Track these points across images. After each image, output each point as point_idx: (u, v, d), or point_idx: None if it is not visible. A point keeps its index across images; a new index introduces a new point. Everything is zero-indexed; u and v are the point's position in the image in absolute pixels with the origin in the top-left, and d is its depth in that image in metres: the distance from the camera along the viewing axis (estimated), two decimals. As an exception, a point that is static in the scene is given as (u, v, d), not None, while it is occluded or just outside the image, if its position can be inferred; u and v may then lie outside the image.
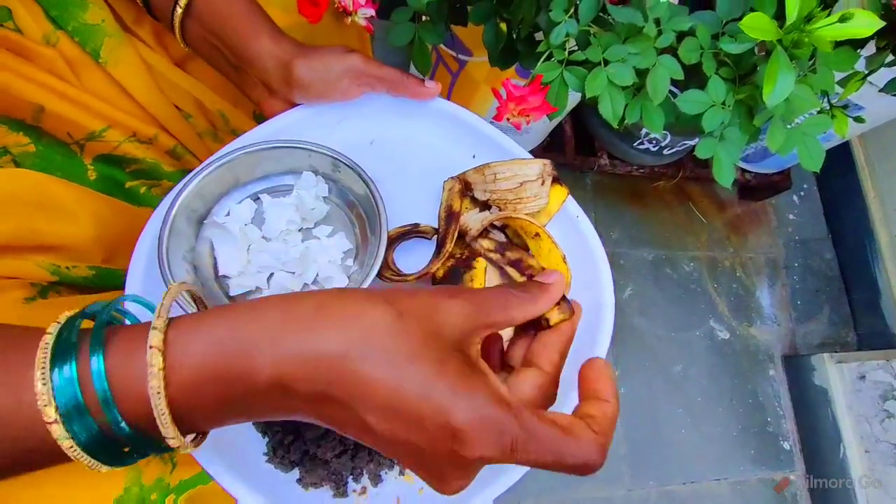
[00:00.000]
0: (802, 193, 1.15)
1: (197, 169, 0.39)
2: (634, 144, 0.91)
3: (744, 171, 1.03)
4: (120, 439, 0.22)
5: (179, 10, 0.39)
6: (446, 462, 0.21)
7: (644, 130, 0.88)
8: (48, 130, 0.41)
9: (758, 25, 0.34)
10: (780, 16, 0.37)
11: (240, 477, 0.34)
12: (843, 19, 0.33)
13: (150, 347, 0.21)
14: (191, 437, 0.24)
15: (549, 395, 0.25)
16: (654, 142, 0.89)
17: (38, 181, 0.37)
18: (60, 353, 0.21)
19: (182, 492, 0.37)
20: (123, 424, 0.21)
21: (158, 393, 0.21)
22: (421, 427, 0.21)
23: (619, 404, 0.25)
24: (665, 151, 0.92)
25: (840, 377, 0.92)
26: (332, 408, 0.21)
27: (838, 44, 0.39)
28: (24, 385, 0.20)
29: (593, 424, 0.23)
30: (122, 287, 0.43)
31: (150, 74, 0.43)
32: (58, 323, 0.22)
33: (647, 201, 1.05)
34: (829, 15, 0.34)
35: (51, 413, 0.20)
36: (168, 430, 0.21)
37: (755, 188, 1.06)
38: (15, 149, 0.40)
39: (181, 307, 0.33)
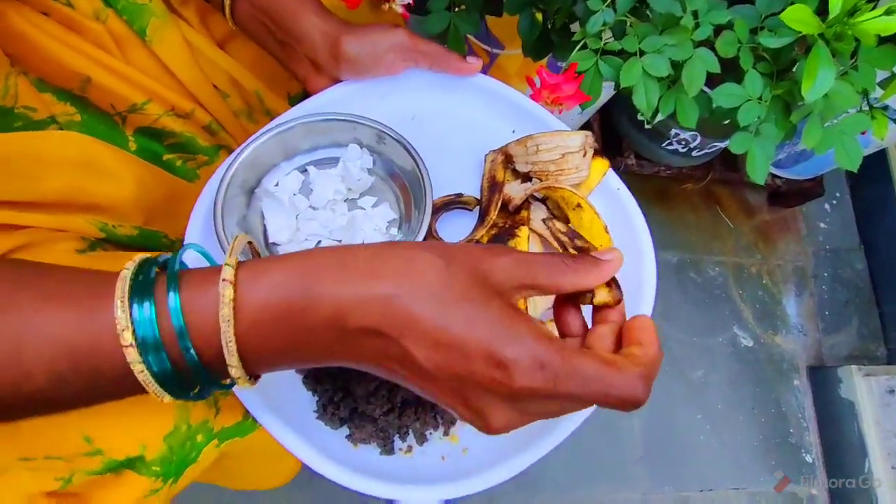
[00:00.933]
0: (834, 202, 1.12)
1: (249, 140, 0.40)
2: (663, 145, 0.90)
3: (774, 176, 1.01)
4: (188, 371, 0.23)
5: None
6: (490, 393, 0.22)
7: (673, 131, 0.87)
8: (93, 101, 0.42)
9: (800, 18, 0.34)
10: (822, 11, 0.36)
11: (291, 429, 0.36)
12: (889, 12, 0.32)
13: (223, 280, 0.23)
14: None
15: (654, 358, 0.25)
16: (683, 143, 0.88)
17: (86, 143, 0.39)
18: (139, 289, 0.23)
19: (224, 439, 0.38)
20: (193, 353, 0.23)
21: (228, 321, 0.23)
22: (466, 357, 0.22)
23: (662, 352, 0.25)
24: (694, 153, 0.91)
25: (868, 391, 0.89)
26: (383, 343, 0.22)
27: (881, 41, 0.39)
28: (104, 315, 0.22)
29: (636, 361, 0.23)
30: (163, 248, 0.45)
31: (191, 54, 0.44)
32: (133, 262, 0.24)
33: (674, 203, 1.04)
34: (874, 8, 0.33)
35: (128, 337, 0.22)
36: (233, 358, 0.23)
37: (786, 194, 1.04)
38: (62, 118, 0.42)
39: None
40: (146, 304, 0.23)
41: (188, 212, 0.42)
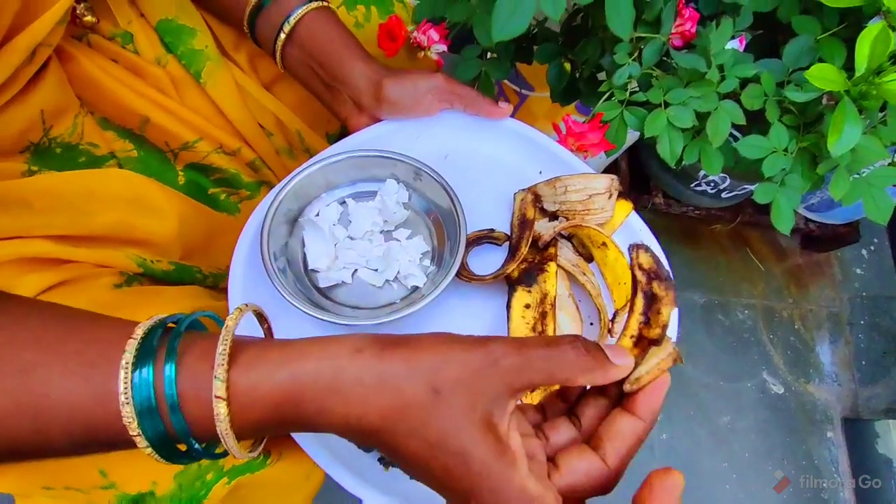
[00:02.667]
0: (872, 248, 1.09)
1: (295, 172, 0.43)
2: (691, 185, 0.90)
3: (807, 220, 0.99)
4: (181, 441, 0.24)
5: (283, 36, 0.44)
6: None
7: (702, 172, 0.87)
8: (150, 139, 0.46)
9: (825, 76, 0.35)
10: (849, 66, 0.37)
11: (323, 447, 0.37)
12: (914, 74, 0.33)
13: (215, 397, 0.23)
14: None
15: (602, 486, 0.24)
16: (713, 184, 0.88)
17: (136, 181, 0.42)
18: (142, 355, 0.24)
19: (234, 476, 0.39)
20: (188, 431, 0.24)
21: (226, 433, 0.24)
22: (444, 492, 0.24)
23: None
24: (724, 195, 0.90)
25: (907, 447, 0.85)
26: (384, 450, 0.24)
27: (911, 97, 0.39)
28: (111, 383, 0.23)
29: None
30: (196, 282, 0.47)
31: (240, 95, 0.47)
32: (135, 339, 0.24)
33: (702, 244, 1.03)
34: (900, 69, 0.34)
35: (128, 410, 0.23)
36: (235, 453, 0.24)
37: (819, 239, 1.02)
38: (120, 154, 0.45)
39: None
40: (145, 370, 0.23)
41: (224, 246, 0.44)
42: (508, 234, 0.46)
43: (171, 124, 0.45)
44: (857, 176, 0.41)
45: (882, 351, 1.02)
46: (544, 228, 0.44)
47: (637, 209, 0.46)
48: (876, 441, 0.89)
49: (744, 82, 0.40)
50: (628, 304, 0.28)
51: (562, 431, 0.26)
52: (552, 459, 0.25)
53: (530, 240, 0.43)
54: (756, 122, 0.41)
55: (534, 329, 0.44)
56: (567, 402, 0.28)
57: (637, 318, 0.27)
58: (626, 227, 0.46)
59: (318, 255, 0.43)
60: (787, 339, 0.99)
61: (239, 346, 0.25)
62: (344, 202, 0.46)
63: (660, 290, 0.27)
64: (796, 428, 0.94)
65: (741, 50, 0.42)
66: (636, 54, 0.39)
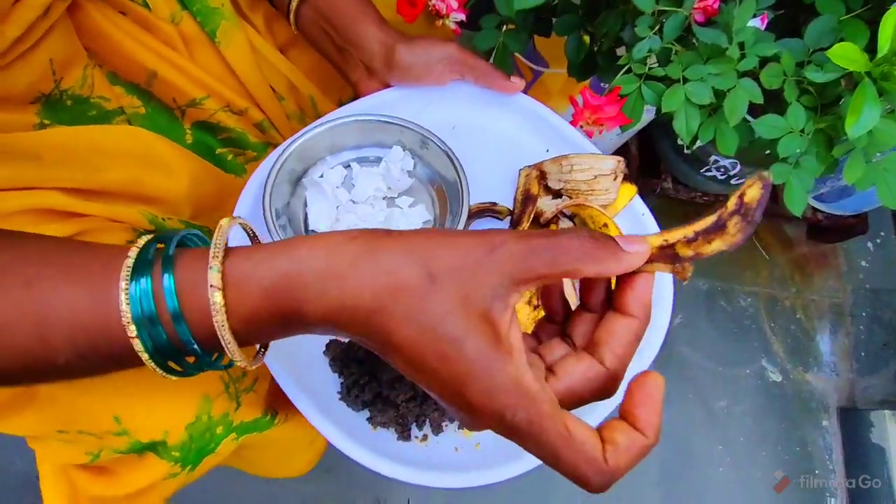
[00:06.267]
0: (878, 241, 1.09)
1: (300, 132, 0.43)
2: (701, 171, 0.90)
3: (816, 210, 0.99)
4: (186, 350, 0.24)
5: None
6: (460, 415, 0.23)
7: (713, 157, 0.87)
8: (157, 95, 0.46)
9: (847, 55, 0.34)
10: (871, 49, 0.36)
11: (316, 407, 0.37)
12: (938, 55, 0.33)
13: (210, 286, 0.23)
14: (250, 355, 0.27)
15: (601, 389, 0.23)
16: (723, 170, 0.88)
17: (148, 138, 0.42)
18: (138, 269, 0.24)
19: (242, 433, 0.40)
20: (191, 338, 0.24)
21: (223, 325, 0.23)
22: (437, 384, 0.22)
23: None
24: (733, 181, 0.90)
25: (901, 437, 0.86)
26: (370, 343, 0.23)
27: (932, 81, 0.38)
28: (112, 293, 0.23)
29: (611, 454, 0.21)
30: (206, 243, 0.47)
31: (254, 57, 0.47)
32: (137, 247, 0.25)
33: (708, 230, 1.03)
34: (924, 50, 0.33)
35: (128, 318, 0.23)
36: (235, 355, 0.24)
37: (826, 229, 1.01)
38: (129, 109, 0.45)
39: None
40: (143, 281, 0.23)
41: (232, 207, 0.44)
42: (511, 208, 0.46)
43: (179, 79, 0.45)
44: (872, 161, 0.41)
45: (882, 343, 1.02)
46: (547, 205, 0.45)
47: (645, 193, 0.46)
48: (870, 431, 0.90)
49: (763, 62, 0.40)
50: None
51: (556, 350, 0.25)
52: (549, 369, 0.24)
53: (532, 216, 0.44)
54: (772, 103, 0.41)
55: (529, 303, 0.45)
56: (557, 321, 0.27)
57: (688, 232, 0.24)
58: (628, 211, 0.46)
59: (319, 217, 0.44)
60: (788, 328, 1.00)
61: (233, 247, 0.25)
62: (348, 165, 0.46)
63: (733, 226, 0.23)
64: (792, 415, 0.95)
65: (762, 28, 0.42)
66: (657, 28, 0.39)
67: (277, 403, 0.45)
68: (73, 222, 0.39)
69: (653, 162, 0.95)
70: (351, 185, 0.46)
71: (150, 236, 0.26)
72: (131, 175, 0.41)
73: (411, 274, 0.22)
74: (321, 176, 0.45)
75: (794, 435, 0.94)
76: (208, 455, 0.40)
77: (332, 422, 0.37)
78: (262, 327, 0.24)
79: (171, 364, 0.25)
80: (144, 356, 0.24)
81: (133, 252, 0.24)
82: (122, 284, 0.23)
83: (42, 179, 0.39)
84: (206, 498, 0.76)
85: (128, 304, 0.23)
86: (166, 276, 0.24)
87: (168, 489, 0.42)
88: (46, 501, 0.42)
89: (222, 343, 0.24)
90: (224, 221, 0.26)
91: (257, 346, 0.29)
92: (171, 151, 0.43)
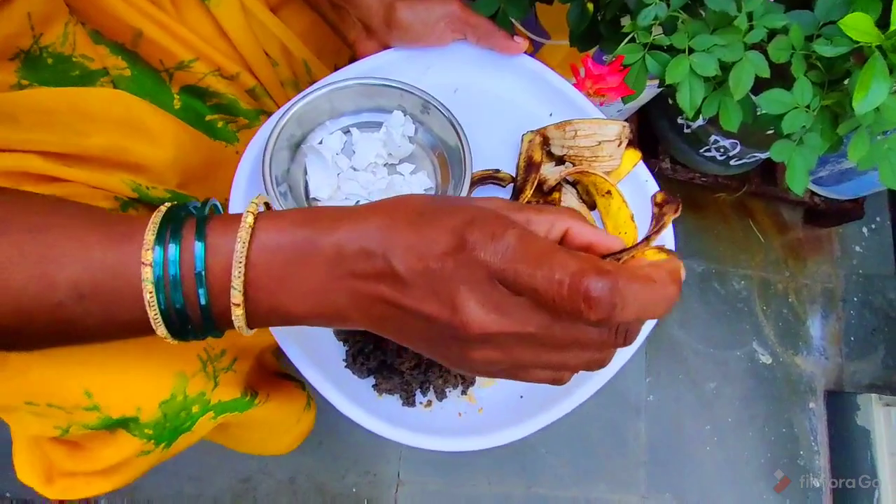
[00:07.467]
0: (873, 226, 1.09)
1: (299, 95, 0.41)
2: (700, 151, 0.89)
3: (813, 193, 0.98)
4: (195, 313, 0.25)
5: None
6: (460, 282, 0.22)
7: (713, 137, 0.86)
8: (143, 56, 0.44)
9: (859, 26, 0.33)
10: (883, 24, 0.35)
11: (323, 375, 0.37)
12: (953, 28, 0.31)
13: (244, 223, 0.25)
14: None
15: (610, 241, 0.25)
16: (722, 150, 0.87)
17: (130, 103, 0.40)
18: (164, 234, 0.25)
19: (220, 412, 0.40)
20: (204, 297, 0.25)
21: (240, 262, 0.24)
22: (435, 243, 0.23)
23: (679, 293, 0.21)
24: (732, 162, 0.89)
25: (886, 420, 0.87)
26: (372, 263, 0.24)
27: (943, 58, 0.37)
28: (132, 244, 0.24)
29: (611, 265, 0.21)
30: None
31: (246, 18, 0.45)
32: (160, 211, 0.25)
33: (705, 212, 1.02)
34: (938, 22, 0.32)
35: (149, 278, 0.24)
36: (237, 293, 0.25)
37: (823, 213, 1.01)
38: (113, 71, 0.43)
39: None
40: (171, 246, 0.24)
41: (222, 177, 0.43)
42: (514, 175, 0.45)
43: (166, 40, 0.42)
44: (876, 140, 0.40)
45: (872, 328, 1.03)
46: (550, 172, 0.44)
47: (643, 168, 0.45)
48: (856, 414, 0.91)
49: (771, 34, 0.39)
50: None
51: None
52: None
53: (535, 183, 0.43)
54: (777, 79, 0.40)
55: None
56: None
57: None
58: (631, 177, 0.45)
59: (320, 184, 0.42)
60: (780, 311, 1.00)
61: (262, 213, 0.26)
62: (348, 131, 0.45)
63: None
64: (780, 397, 0.96)
65: (772, 0, 0.40)
66: (664, -5, 0.38)
67: (258, 384, 0.45)
68: (51, 187, 0.37)
69: (651, 141, 0.94)
70: (351, 151, 0.44)
71: (172, 204, 0.27)
72: (113, 141, 0.40)
73: (417, 196, 0.26)
74: (320, 142, 0.44)
75: (782, 417, 0.95)
76: (184, 433, 0.39)
77: (338, 389, 0.37)
78: (274, 271, 0.25)
79: (171, 312, 0.25)
80: (156, 314, 0.24)
81: (156, 220, 0.25)
82: (146, 244, 0.24)
83: (19, 142, 0.37)
84: (198, 466, 0.76)
85: (151, 258, 0.24)
86: (198, 242, 0.25)
87: (142, 465, 0.41)
88: (19, 474, 0.41)
89: (232, 276, 0.24)
90: (259, 196, 0.27)
91: None
92: (156, 117, 0.41)
